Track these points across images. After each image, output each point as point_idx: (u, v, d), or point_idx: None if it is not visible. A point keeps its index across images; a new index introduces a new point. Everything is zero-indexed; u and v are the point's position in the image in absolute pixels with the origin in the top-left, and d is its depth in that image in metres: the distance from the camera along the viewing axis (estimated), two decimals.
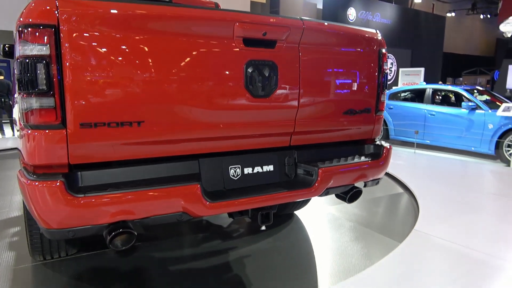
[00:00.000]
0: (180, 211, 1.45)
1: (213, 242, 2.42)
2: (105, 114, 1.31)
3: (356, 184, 1.96)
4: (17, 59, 1.26)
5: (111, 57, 1.30)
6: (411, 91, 6.64)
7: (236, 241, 2.44)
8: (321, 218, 2.97)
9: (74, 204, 1.26)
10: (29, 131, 1.27)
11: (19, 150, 1.46)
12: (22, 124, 1.31)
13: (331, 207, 3.22)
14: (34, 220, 1.70)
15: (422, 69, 10.16)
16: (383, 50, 2.00)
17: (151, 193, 1.37)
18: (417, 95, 6.43)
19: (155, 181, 1.43)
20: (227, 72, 1.53)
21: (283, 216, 2.81)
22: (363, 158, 1.97)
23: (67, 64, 1.24)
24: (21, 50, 1.24)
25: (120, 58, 1.32)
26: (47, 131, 1.26)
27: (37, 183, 1.25)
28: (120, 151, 1.38)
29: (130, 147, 1.40)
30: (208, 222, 2.79)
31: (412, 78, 9.82)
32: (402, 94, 6.58)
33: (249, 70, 1.56)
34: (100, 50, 1.28)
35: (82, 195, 1.27)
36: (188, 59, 1.43)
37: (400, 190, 3.88)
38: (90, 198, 1.28)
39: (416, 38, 14.84)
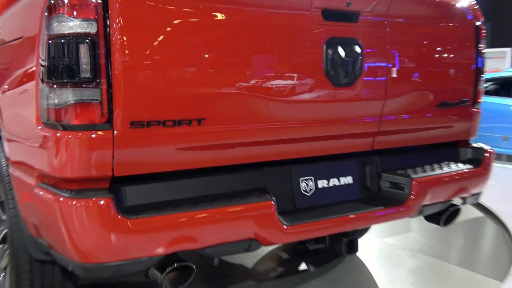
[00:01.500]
0: (249, 238, 1.54)
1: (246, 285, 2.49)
2: (161, 110, 1.40)
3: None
4: (48, 39, 1.34)
5: (169, 36, 1.39)
6: (494, 80, 6.23)
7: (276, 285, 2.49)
8: (378, 251, 3.07)
9: (127, 229, 1.32)
10: (59, 134, 1.34)
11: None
12: (42, 124, 1.38)
13: (387, 238, 3.34)
14: (25, 259, 1.71)
15: (509, 50, 9.31)
16: (480, 23, 2.14)
17: (217, 214, 1.46)
18: (504, 86, 6.04)
19: (213, 199, 1.51)
20: (303, 55, 1.67)
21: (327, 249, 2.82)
22: (461, 166, 2.10)
23: (118, 45, 1.31)
24: (54, 27, 1.33)
25: (179, 37, 1.41)
26: (88, 133, 1.33)
27: (76, 202, 1.31)
28: (173, 158, 1.48)
29: (185, 154, 1.50)
30: (222, 261, 2.81)
31: (494, 62, 8.60)
32: None
33: (330, 51, 1.69)
34: (157, 27, 1.37)
35: (136, 217, 1.34)
36: (258, 38, 1.54)
37: (479, 214, 4.05)
38: (147, 221, 1.35)
39: (497, 6, 12.01)
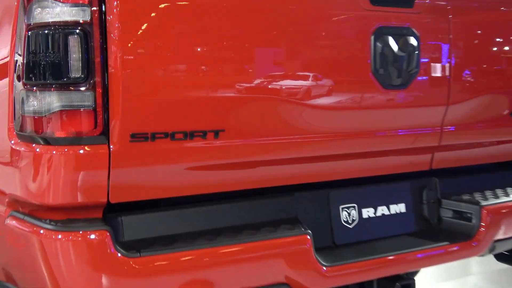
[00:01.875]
0: (279, 283, 1.48)
1: None
2: (169, 119, 1.36)
3: None
4: (27, 30, 1.28)
5: (181, 27, 1.35)
6: None
7: None
8: None
9: (128, 272, 1.29)
10: (39, 149, 1.29)
11: None
12: (16, 137, 1.34)
13: (442, 283, 3.22)
14: None
15: None
16: None
17: (239, 252, 1.42)
18: None
19: (233, 232, 1.47)
20: (345, 49, 1.62)
21: None
22: None
23: (116, 37, 1.27)
24: (36, 14, 1.27)
25: (194, 28, 1.37)
26: (77, 148, 1.27)
27: (62, 236, 1.27)
28: (183, 181, 1.44)
29: (199, 175, 1.46)
30: None
31: None
32: None
33: (378, 43, 1.63)
34: (167, 15, 1.33)
35: (138, 255, 1.30)
36: (288, 29, 1.50)
37: None
38: (153, 261, 1.31)
39: None
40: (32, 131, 1.31)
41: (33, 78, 1.28)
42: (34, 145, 1.32)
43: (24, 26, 1.29)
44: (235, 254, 1.43)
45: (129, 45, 1.29)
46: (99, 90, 1.27)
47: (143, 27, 1.31)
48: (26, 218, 1.36)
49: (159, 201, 1.47)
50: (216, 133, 1.41)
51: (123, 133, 1.30)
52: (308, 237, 1.51)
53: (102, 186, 1.31)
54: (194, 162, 1.43)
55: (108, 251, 1.26)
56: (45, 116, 1.28)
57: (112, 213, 1.37)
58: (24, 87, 1.30)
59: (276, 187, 1.62)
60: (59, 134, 1.28)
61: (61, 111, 1.27)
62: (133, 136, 1.31)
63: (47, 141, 1.30)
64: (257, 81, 1.47)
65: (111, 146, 1.30)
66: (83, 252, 1.26)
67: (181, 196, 1.47)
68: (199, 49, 1.39)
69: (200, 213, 1.51)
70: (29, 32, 1.28)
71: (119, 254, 1.27)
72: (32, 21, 1.28)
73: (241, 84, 1.45)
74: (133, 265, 1.28)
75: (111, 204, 1.36)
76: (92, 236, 1.26)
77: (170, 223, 1.45)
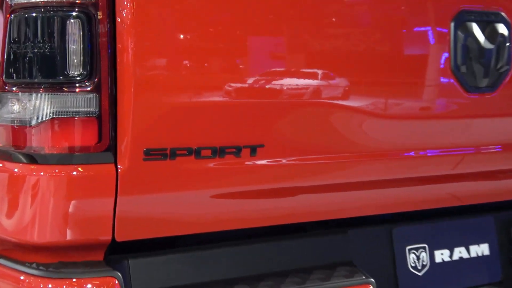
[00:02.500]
0: None
1: None
2: (193, 132, 1.37)
3: None
4: (9, 12, 1.28)
5: (211, 12, 1.36)
6: None
7: None
8: None
9: None
10: (19, 170, 1.30)
11: None
12: None
13: None
14: None
15: None
16: None
17: None
18: None
19: (272, 280, 1.48)
20: (418, 40, 1.63)
21: None
22: None
23: (128, 24, 1.27)
24: None
25: (228, 14, 1.39)
26: (74, 168, 1.28)
27: (54, 286, 1.27)
28: (209, 212, 1.45)
29: (229, 204, 1.48)
30: None
31: None
32: None
33: (460, 33, 1.64)
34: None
35: None
36: (345, 14, 1.55)
37: None
38: None
39: None
40: (10, 146, 1.31)
41: (14, 75, 1.28)
42: (13, 163, 1.31)
43: (5, 7, 1.28)
44: None
45: (146, 33, 1.29)
46: (105, 92, 1.28)
47: (165, 10, 1.31)
48: (3, 261, 1.35)
49: (179, 239, 1.47)
50: (253, 150, 1.42)
51: (135, 149, 1.29)
52: (372, 287, 1.52)
53: (107, 219, 1.30)
54: (225, 187, 1.44)
55: None
56: (32, 126, 1.27)
57: (118, 255, 1.35)
58: (4, 88, 1.29)
59: (327, 222, 1.63)
60: (50, 149, 1.27)
61: (52, 119, 1.26)
62: (148, 153, 1.31)
63: (32, 159, 1.29)
64: (306, 82, 1.48)
65: (119, 166, 1.29)
66: None
67: (207, 233, 1.47)
68: (238, 42, 1.40)
69: (232, 255, 1.50)
70: (12, 16, 1.27)
71: None
72: (15, 1, 1.27)
73: (287, 87, 1.46)
74: None
75: (118, 243, 1.35)
76: (96, 287, 1.25)
77: (192, 268, 1.44)
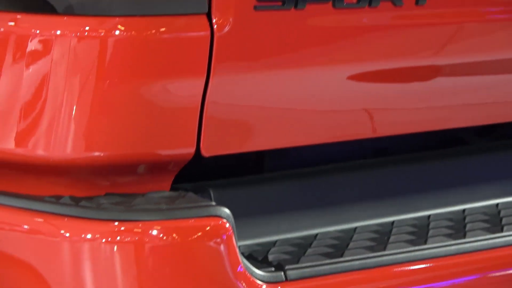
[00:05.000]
0: None
1: None
2: None
3: None
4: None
5: None
6: None
7: None
8: None
9: None
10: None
11: None
12: None
13: None
14: None
15: None
16: None
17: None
18: None
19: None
20: None
21: None
22: None
23: None
24: None
25: None
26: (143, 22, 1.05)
27: (124, 233, 1.05)
28: (340, 110, 1.32)
29: (375, 92, 1.33)
30: None
31: None
32: None
33: None
34: None
35: (282, 277, 1.13)
36: None
37: None
38: None
39: None
40: None
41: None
42: None
43: None
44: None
45: None
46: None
47: None
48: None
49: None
50: None
51: None
52: None
53: (191, 115, 1.05)
54: (376, 59, 1.24)
55: (228, 264, 1.00)
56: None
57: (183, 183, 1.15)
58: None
59: None
60: None
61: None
62: None
63: None
64: None
65: (215, 20, 1.02)
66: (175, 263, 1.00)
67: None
68: None
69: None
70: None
71: (252, 274, 1.03)
72: None
73: None
74: None
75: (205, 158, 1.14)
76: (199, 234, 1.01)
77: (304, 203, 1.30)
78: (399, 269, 1.17)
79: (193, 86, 1.02)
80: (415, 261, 1.21)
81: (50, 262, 0.99)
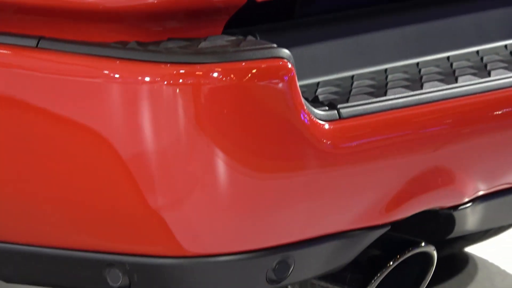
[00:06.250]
0: None
1: None
2: None
3: None
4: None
5: None
6: None
7: None
8: None
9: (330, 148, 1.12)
10: None
11: None
12: None
13: None
14: None
15: None
16: None
17: None
18: None
19: None
20: None
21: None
22: None
23: None
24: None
25: None
26: None
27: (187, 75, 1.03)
28: None
29: None
30: None
31: None
32: None
33: None
34: None
35: (336, 115, 1.14)
36: None
37: None
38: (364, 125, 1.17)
39: None
40: None
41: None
42: None
43: None
44: None
45: None
46: None
47: None
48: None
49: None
50: None
51: None
52: None
53: None
54: None
55: (292, 104, 1.01)
56: None
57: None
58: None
59: None
60: None
61: None
62: None
63: None
64: None
65: None
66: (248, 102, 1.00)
67: None
68: None
69: None
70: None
71: (312, 113, 1.03)
72: None
73: None
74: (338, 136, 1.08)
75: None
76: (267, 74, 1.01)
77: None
78: (441, 106, 1.21)
79: None
80: (453, 98, 1.23)
81: (121, 107, 1.02)
